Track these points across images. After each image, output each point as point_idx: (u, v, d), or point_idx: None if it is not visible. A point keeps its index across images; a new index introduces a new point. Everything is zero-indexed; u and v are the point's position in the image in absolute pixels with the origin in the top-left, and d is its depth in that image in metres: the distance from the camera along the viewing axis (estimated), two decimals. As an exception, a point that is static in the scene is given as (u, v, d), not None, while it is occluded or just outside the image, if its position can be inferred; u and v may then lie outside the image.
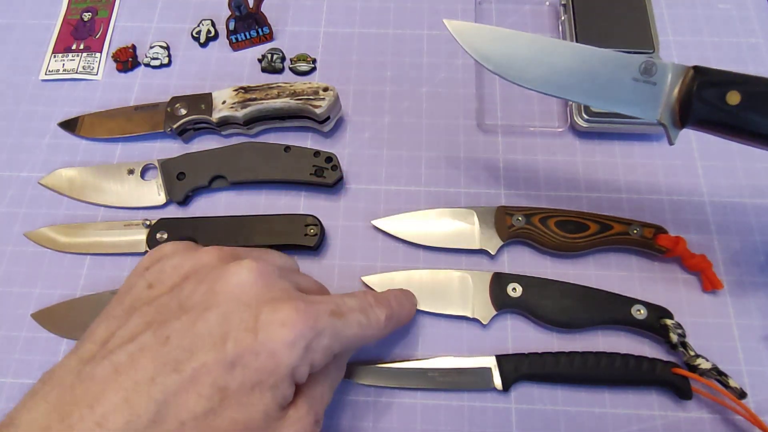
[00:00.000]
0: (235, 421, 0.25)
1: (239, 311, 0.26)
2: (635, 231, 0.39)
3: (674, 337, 0.36)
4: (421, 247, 0.41)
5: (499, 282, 0.39)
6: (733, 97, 0.30)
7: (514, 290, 0.38)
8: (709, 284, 0.39)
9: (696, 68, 0.31)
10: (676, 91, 0.32)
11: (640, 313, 0.37)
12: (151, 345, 0.25)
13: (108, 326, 0.27)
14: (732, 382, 0.35)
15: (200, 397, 0.24)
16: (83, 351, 0.26)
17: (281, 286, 0.28)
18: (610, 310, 0.38)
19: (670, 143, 0.33)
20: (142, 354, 0.25)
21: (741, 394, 0.34)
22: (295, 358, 0.26)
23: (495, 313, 0.38)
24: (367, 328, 0.30)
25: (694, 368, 0.36)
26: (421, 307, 0.39)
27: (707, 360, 0.35)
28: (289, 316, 0.26)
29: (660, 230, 0.40)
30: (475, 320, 0.38)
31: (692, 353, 0.36)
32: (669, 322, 0.37)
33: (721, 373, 0.35)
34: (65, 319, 0.40)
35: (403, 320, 0.35)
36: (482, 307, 0.38)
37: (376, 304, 0.31)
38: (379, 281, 0.40)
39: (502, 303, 0.38)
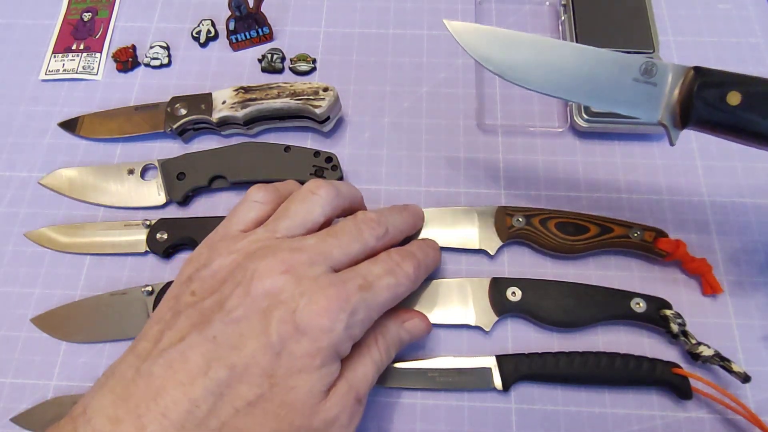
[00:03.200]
0: (284, 403, 0.27)
1: (276, 308, 0.28)
2: (636, 234, 0.39)
3: (675, 327, 0.36)
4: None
5: (497, 287, 0.39)
6: (734, 98, 0.30)
7: (514, 294, 0.38)
8: (710, 288, 0.39)
9: (696, 69, 0.31)
10: (676, 91, 0.32)
11: (639, 306, 0.37)
12: (199, 343, 0.27)
13: (159, 328, 0.29)
14: (735, 367, 0.35)
15: (252, 385, 0.27)
16: (139, 349, 0.28)
17: (311, 274, 0.29)
18: (610, 305, 0.38)
19: (671, 144, 0.33)
20: (193, 351, 0.27)
21: (745, 378, 0.34)
22: (336, 339, 0.28)
23: (496, 319, 0.38)
24: (397, 287, 0.32)
25: (696, 356, 0.36)
26: None
27: (709, 347, 0.36)
28: (323, 305, 0.28)
29: (660, 234, 0.39)
30: (477, 328, 0.38)
31: (694, 341, 0.36)
32: (668, 312, 0.37)
33: (723, 359, 0.35)
34: (65, 322, 0.40)
35: (431, 266, 0.36)
36: (483, 314, 0.38)
37: (401, 260, 0.33)
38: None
39: (502, 308, 0.38)
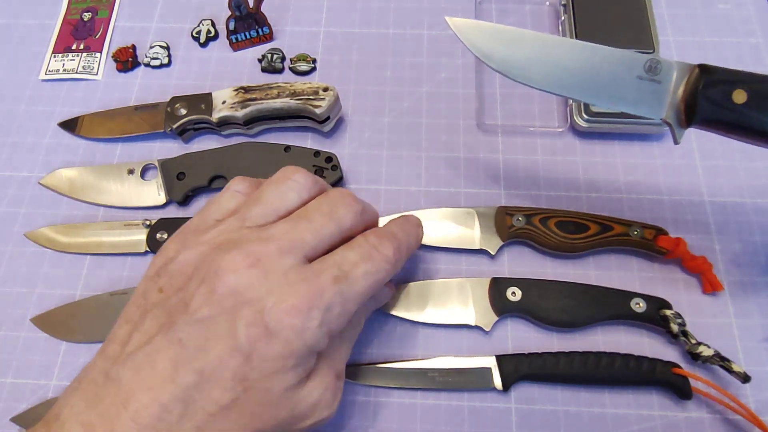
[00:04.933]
0: (261, 403, 0.26)
1: (243, 309, 0.26)
2: (635, 232, 0.39)
3: (675, 327, 0.36)
4: (421, 247, 0.41)
5: (497, 287, 0.39)
6: (740, 96, 0.30)
7: (514, 294, 0.38)
8: (710, 286, 0.39)
9: (701, 66, 0.31)
10: (681, 89, 0.31)
11: (639, 306, 0.37)
12: (166, 346, 0.26)
13: (127, 329, 0.28)
14: (735, 367, 0.35)
15: (224, 390, 0.26)
16: (108, 352, 0.28)
17: (280, 268, 0.27)
18: (610, 305, 0.38)
19: (676, 142, 0.32)
20: (159, 355, 0.26)
21: (745, 378, 0.34)
22: (309, 338, 0.26)
23: (496, 319, 0.38)
24: (376, 273, 0.29)
25: (696, 356, 0.36)
26: (422, 319, 0.39)
27: (709, 347, 0.36)
28: (293, 304, 0.26)
29: (660, 231, 0.40)
30: (477, 328, 0.38)
31: (694, 341, 0.36)
32: (668, 312, 0.37)
33: (723, 359, 0.35)
34: (64, 322, 0.40)
35: (413, 246, 0.34)
36: (483, 314, 0.38)
37: (378, 241, 0.30)
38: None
39: (502, 308, 0.38)
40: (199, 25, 0.51)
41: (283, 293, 0.26)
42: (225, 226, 0.30)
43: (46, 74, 0.50)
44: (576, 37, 0.46)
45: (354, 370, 0.37)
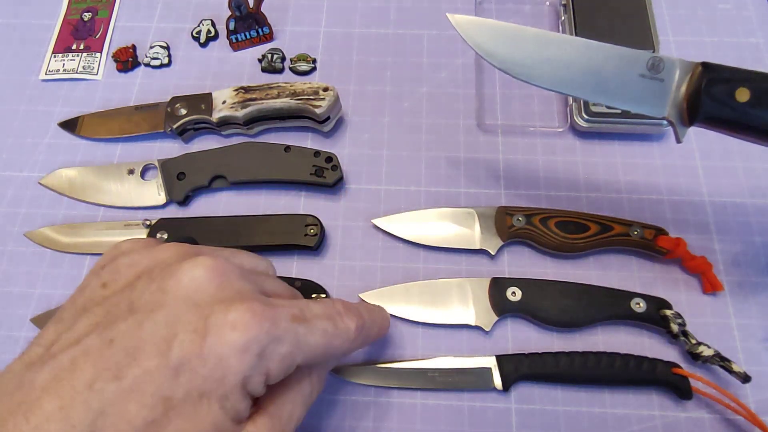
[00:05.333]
0: None
1: (188, 312, 0.24)
2: (636, 232, 0.39)
3: (675, 327, 0.36)
4: (421, 247, 0.41)
5: (497, 287, 0.39)
6: (743, 94, 0.29)
7: (514, 294, 0.38)
8: (710, 286, 0.39)
9: (704, 64, 0.31)
10: (683, 87, 0.31)
11: (639, 306, 0.37)
12: (95, 348, 0.23)
13: (57, 328, 0.25)
14: (735, 367, 0.35)
15: (142, 406, 0.22)
16: (29, 355, 0.24)
17: (239, 286, 0.25)
18: (610, 305, 0.38)
19: (678, 141, 0.32)
20: (84, 358, 0.23)
21: (745, 378, 0.34)
22: (247, 365, 0.23)
23: (496, 319, 0.38)
24: (334, 337, 0.27)
25: (696, 356, 0.36)
26: (423, 319, 0.39)
27: (709, 347, 0.36)
28: (242, 317, 0.23)
29: (660, 231, 0.39)
30: (477, 328, 0.38)
31: (694, 341, 0.36)
32: (668, 312, 0.37)
33: (723, 359, 0.35)
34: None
35: (375, 334, 0.32)
36: (483, 314, 0.38)
37: (345, 312, 0.28)
38: (377, 296, 0.39)
39: (502, 308, 0.38)
40: (199, 25, 0.51)
41: (235, 306, 0.24)
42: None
43: (46, 74, 0.50)
44: (576, 37, 0.46)
45: (354, 370, 0.37)
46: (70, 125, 0.47)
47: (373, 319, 0.31)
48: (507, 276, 0.40)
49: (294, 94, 0.43)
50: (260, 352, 0.23)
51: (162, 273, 0.25)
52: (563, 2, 0.48)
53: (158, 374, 0.22)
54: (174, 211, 0.44)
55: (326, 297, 0.38)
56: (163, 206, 0.44)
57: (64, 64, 0.50)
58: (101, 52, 0.51)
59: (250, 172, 0.43)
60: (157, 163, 0.44)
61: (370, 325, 0.31)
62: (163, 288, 0.24)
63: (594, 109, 0.44)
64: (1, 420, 0.22)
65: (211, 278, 0.25)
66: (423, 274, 0.41)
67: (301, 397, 0.27)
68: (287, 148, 0.43)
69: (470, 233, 0.41)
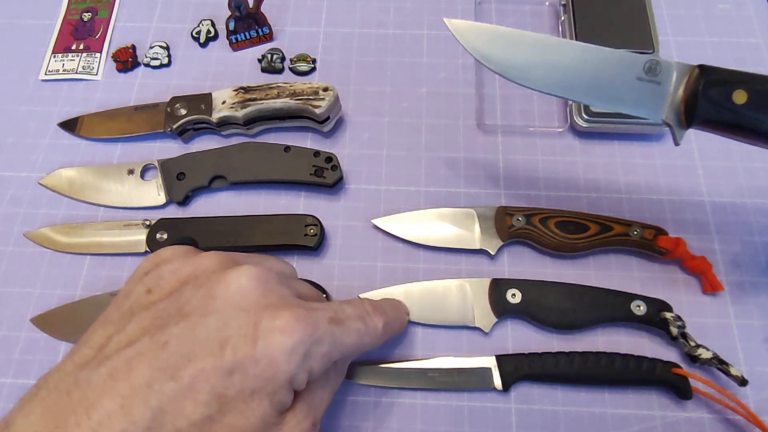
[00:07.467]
0: (232, 428, 0.25)
1: (238, 317, 0.26)
2: (635, 232, 0.39)
3: (674, 330, 0.36)
4: (421, 247, 0.41)
5: (497, 288, 0.39)
6: (740, 96, 0.29)
7: (514, 296, 0.38)
8: (710, 286, 0.39)
9: (701, 67, 0.31)
10: (681, 90, 0.31)
11: (639, 308, 0.37)
12: (149, 350, 0.25)
13: (105, 331, 0.26)
14: (733, 371, 0.35)
15: (197, 404, 0.24)
16: (80, 356, 0.26)
17: (280, 292, 0.28)
18: (610, 307, 0.38)
19: (676, 143, 0.32)
20: (139, 360, 0.24)
21: (742, 382, 0.34)
22: (294, 365, 0.25)
23: (496, 320, 0.38)
24: (365, 335, 0.30)
25: (695, 358, 0.36)
26: (423, 320, 0.39)
27: (708, 349, 0.36)
28: (289, 323, 0.26)
29: (660, 231, 0.39)
30: (477, 328, 0.38)
31: (693, 344, 0.36)
32: (668, 315, 0.37)
33: (722, 362, 0.35)
34: (64, 322, 0.40)
35: (397, 329, 0.35)
36: (483, 316, 0.38)
37: (373, 312, 0.31)
38: (377, 296, 0.39)
39: (502, 309, 0.38)
40: (199, 25, 0.51)
41: (280, 311, 0.26)
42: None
43: (46, 74, 0.50)
44: (576, 38, 0.46)
45: (354, 370, 0.37)
46: (69, 125, 0.47)
47: (396, 316, 0.35)
48: (507, 276, 0.40)
49: (294, 94, 0.43)
50: (305, 353, 0.26)
51: (209, 280, 0.27)
52: (563, 2, 0.48)
53: (213, 374, 0.24)
54: (174, 211, 0.44)
55: (326, 297, 0.39)
56: (163, 206, 0.44)
57: (63, 64, 0.50)
58: (101, 52, 0.51)
59: (250, 172, 0.43)
60: (156, 163, 0.44)
61: (394, 321, 0.34)
62: (212, 295, 0.26)
63: (594, 109, 0.44)
64: (63, 417, 0.23)
65: (256, 286, 0.27)
66: (423, 274, 0.41)
67: (329, 384, 0.30)
68: (287, 148, 0.43)
69: (470, 233, 0.41)
